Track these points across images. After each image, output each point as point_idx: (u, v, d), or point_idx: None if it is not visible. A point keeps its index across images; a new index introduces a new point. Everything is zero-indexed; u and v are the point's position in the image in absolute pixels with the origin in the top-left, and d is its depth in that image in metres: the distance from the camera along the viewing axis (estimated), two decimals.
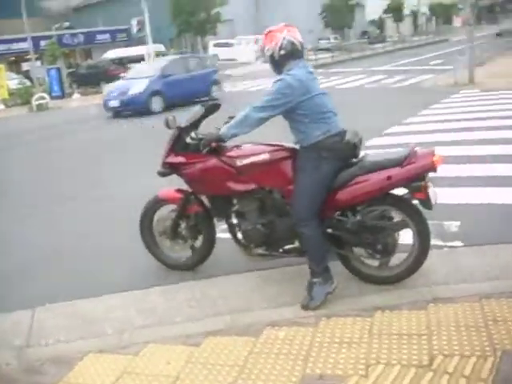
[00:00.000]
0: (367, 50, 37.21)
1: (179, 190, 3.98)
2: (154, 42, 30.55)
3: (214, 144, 3.49)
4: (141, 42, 33.34)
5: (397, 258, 3.56)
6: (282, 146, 3.59)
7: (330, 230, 3.48)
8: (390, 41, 43.84)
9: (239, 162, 3.53)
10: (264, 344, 2.96)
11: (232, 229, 3.73)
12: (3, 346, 3.34)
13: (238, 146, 3.64)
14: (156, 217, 4.10)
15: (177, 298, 3.71)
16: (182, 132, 3.70)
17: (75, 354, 3.11)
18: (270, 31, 3.41)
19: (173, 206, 4.01)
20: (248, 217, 3.63)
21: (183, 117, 3.77)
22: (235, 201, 3.68)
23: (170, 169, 3.78)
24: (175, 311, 3.53)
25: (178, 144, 3.73)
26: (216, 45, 41.45)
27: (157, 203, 4.09)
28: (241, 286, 3.79)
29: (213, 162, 3.60)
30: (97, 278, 4.18)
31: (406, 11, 58.58)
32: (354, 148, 3.36)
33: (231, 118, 3.62)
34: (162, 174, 3.82)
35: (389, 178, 3.28)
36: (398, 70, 23.28)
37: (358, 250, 3.56)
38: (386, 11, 57.19)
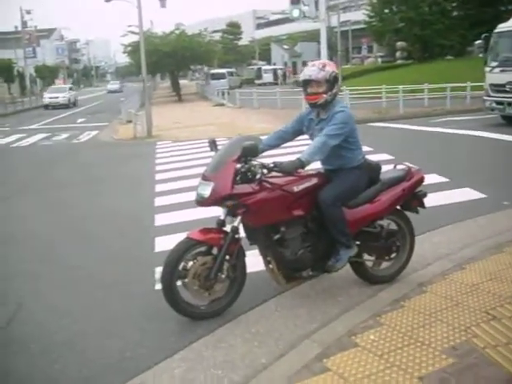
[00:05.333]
0: None
1: (210, 230, 3.79)
2: None
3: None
4: None
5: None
6: (317, 171, 3.99)
7: (358, 242, 4.07)
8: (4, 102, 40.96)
9: (296, 188, 3.72)
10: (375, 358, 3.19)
11: (273, 257, 3.81)
12: None
13: (266, 175, 3.69)
14: (184, 261, 3.72)
15: (234, 344, 3.55)
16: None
17: None
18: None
19: (201, 248, 3.76)
20: (294, 243, 3.80)
21: None
22: (283, 228, 3.77)
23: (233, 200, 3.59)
24: (253, 355, 3.41)
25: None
26: None
27: (191, 246, 3.73)
28: (271, 318, 3.89)
29: (275, 189, 3.66)
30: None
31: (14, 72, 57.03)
32: (380, 170, 4.12)
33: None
34: (232, 207, 3.62)
35: (403, 190, 4.15)
36: (52, 128, 23.02)
37: (367, 256, 4.24)
38: None
